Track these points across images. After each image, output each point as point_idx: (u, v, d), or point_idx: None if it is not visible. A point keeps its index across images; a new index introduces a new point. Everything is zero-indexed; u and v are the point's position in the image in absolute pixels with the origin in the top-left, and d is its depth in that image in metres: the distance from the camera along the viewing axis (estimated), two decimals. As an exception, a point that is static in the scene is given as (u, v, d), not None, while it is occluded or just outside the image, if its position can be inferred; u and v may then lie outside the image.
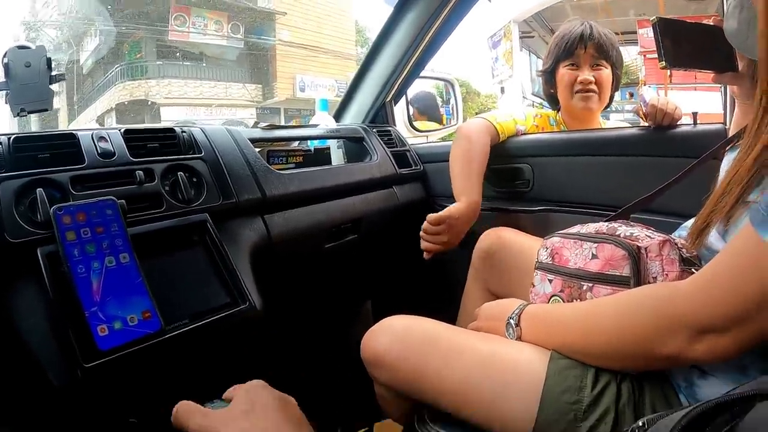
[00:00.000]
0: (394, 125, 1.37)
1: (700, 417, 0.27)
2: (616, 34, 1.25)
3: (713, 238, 0.51)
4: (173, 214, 0.70)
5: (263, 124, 1.03)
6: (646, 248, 0.58)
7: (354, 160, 1.19)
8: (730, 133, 0.75)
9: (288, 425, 0.37)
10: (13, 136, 0.65)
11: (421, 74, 1.35)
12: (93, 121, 11.33)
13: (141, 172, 0.70)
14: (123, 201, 0.62)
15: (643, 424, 0.31)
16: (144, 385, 0.58)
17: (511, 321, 0.61)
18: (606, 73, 1.09)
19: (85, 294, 0.53)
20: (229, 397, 0.40)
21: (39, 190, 0.60)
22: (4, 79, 0.68)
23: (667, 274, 0.56)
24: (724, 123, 0.86)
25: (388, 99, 1.35)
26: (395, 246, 1.24)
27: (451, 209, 0.95)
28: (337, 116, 1.39)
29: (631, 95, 8.15)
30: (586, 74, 1.08)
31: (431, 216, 0.95)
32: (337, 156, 1.20)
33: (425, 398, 0.61)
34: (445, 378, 0.58)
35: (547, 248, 0.69)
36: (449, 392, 0.58)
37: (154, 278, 0.59)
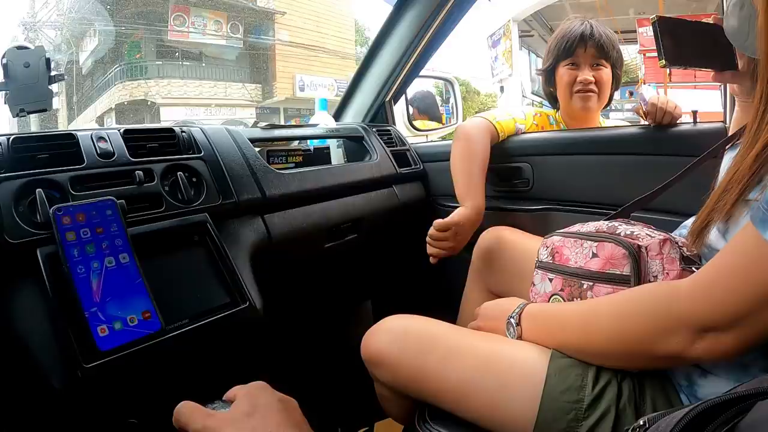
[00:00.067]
0: (394, 124, 1.37)
1: (700, 416, 0.27)
2: (616, 32, 1.24)
3: (714, 236, 0.51)
4: (173, 214, 0.70)
5: (263, 124, 1.02)
6: (646, 247, 0.58)
7: (354, 159, 1.19)
8: (730, 132, 0.75)
9: (289, 428, 0.37)
10: (13, 137, 0.64)
11: (421, 73, 1.35)
12: (92, 121, 11.32)
13: (140, 172, 0.69)
14: (123, 201, 0.62)
15: (644, 423, 0.31)
16: (144, 386, 0.58)
17: (512, 320, 0.61)
18: (606, 72, 1.09)
19: (85, 294, 0.53)
20: (230, 398, 0.40)
21: (38, 191, 0.60)
22: (4, 80, 0.68)
23: (667, 273, 0.56)
24: (724, 121, 0.86)
25: (387, 98, 1.34)
26: (395, 246, 1.24)
27: (457, 216, 0.93)
28: (337, 116, 1.39)
29: (631, 94, 8.14)
30: (585, 74, 1.07)
31: (438, 222, 0.94)
32: (336, 155, 1.20)
33: (426, 397, 0.62)
34: (446, 377, 0.58)
35: (547, 247, 0.69)
36: (450, 391, 0.58)
37: (154, 278, 0.59)
